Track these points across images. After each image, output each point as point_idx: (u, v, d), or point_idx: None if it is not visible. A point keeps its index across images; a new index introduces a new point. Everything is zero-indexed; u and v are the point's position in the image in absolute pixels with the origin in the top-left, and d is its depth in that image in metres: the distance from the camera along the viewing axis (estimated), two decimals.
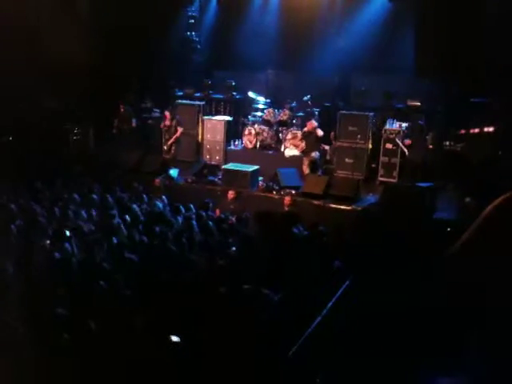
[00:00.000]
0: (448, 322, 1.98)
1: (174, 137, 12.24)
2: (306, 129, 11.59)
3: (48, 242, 7.10)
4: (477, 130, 10.56)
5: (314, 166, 11.31)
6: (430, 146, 11.21)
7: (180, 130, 12.25)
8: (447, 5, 11.31)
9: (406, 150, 10.91)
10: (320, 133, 11.35)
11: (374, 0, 12.70)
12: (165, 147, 12.51)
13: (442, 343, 1.96)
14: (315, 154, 11.36)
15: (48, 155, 12.10)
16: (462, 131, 11.12)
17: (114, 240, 7.10)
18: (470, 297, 1.92)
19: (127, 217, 8.08)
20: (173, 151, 12.33)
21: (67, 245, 6.78)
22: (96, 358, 4.64)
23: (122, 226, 7.74)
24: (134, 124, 13.08)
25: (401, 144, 10.97)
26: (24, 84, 12.31)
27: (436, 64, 11.49)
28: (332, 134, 11.91)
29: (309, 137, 11.50)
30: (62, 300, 5.43)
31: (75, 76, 12.99)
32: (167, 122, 12.28)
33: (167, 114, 12.32)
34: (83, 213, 8.26)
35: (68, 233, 6.81)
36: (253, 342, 4.71)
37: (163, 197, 9.56)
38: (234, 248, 7.12)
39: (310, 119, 11.74)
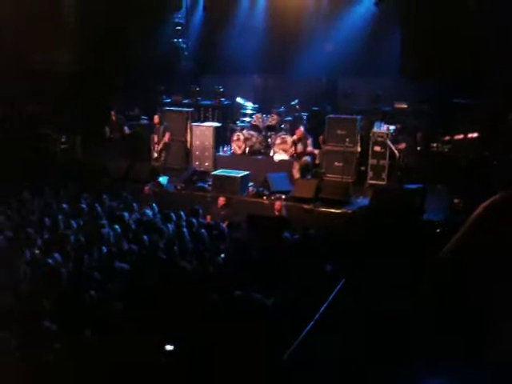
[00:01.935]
0: (440, 325, 1.98)
1: (162, 142, 12.23)
2: (295, 137, 11.63)
3: (37, 251, 7.05)
4: (461, 136, 10.65)
5: (305, 169, 11.35)
6: (418, 148, 11.28)
7: (168, 135, 12.24)
8: (431, 7, 11.41)
9: (396, 152, 10.96)
10: (309, 147, 11.44)
11: (360, 3, 12.78)
12: (154, 154, 12.50)
13: (434, 346, 1.96)
14: (307, 158, 11.41)
15: (35, 164, 12.01)
16: (447, 137, 11.19)
17: (104, 249, 7.05)
18: (463, 299, 1.92)
19: (117, 226, 8.03)
20: (163, 158, 12.31)
21: (57, 255, 6.72)
22: (89, 367, 4.61)
23: (112, 236, 7.70)
24: (126, 131, 13.03)
25: (392, 147, 11.00)
26: (9, 91, 12.21)
27: (422, 66, 11.58)
28: (321, 138, 11.95)
29: (298, 144, 11.57)
30: (51, 311, 5.39)
31: (61, 84, 12.92)
32: (157, 125, 12.30)
33: (156, 117, 12.34)
34: (72, 222, 8.20)
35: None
36: (247, 346, 4.70)
37: (154, 205, 9.51)
38: (222, 255, 7.11)
39: (298, 126, 11.80)
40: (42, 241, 7.53)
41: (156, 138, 12.37)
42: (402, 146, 10.96)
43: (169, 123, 12.52)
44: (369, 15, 12.62)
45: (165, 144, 12.24)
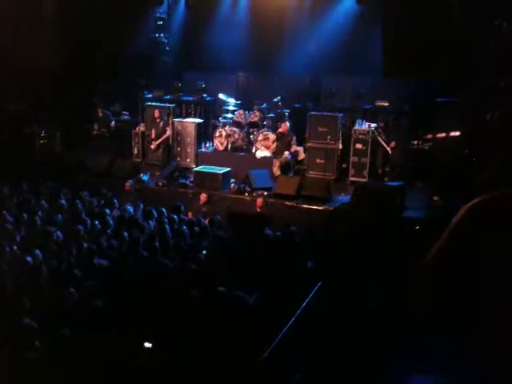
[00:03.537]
0: (423, 325, 1.99)
1: (163, 137, 12.31)
2: (280, 130, 11.65)
3: (16, 248, 6.96)
4: (443, 135, 10.76)
5: (285, 167, 11.37)
6: (410, 146, 11.42)
7: (168, 131, 12.31)
8: (413, 6, 11.50)
9: (389, 150, 11.03)
10: (294, 146, 11.52)
11: (343, 2, 12.82)
12: (152, 146, 12.54)
13: (417, 345, 1.97)
14: (287, 155, 11.44)
15: (14, 160, 11.83)
16: (429, 136, 11.30)
17: (85, 246, 6.99)
18: (448, 302, 1.92)
19: (97, 222, 7.96)
20: (160, 152, 12.40)
21: (37, 252, 6.64)
22: (69, 364, 4.58)
23: (93, 232, 7.63)
24: (112, 126, 13.04)
25: (384, 143, 11.06)
26: None
27: (403, 65, 11.66)
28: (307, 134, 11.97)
29: (281, 139, 11.58)
30: (31, 309, 5.33)
31: (41, 79, 12.75)
32: (157, 120, 12.36)
33: (156, 112, 12.40)
34: (53, 219, 8.11)
35: None
36: (228, 344, 4.71)
37: (140, 202, 9.46)
38: (204, 252, 7.10)
39: (283, 121, 11.83)
40: (20, 237, 7.44)
41: (154, 133, 12.39)
42: (393, 144, 11.06)
43: (167, 118, 12.59)
44: (351, 14, 12.67)
45: (164, 139, 12.34)
